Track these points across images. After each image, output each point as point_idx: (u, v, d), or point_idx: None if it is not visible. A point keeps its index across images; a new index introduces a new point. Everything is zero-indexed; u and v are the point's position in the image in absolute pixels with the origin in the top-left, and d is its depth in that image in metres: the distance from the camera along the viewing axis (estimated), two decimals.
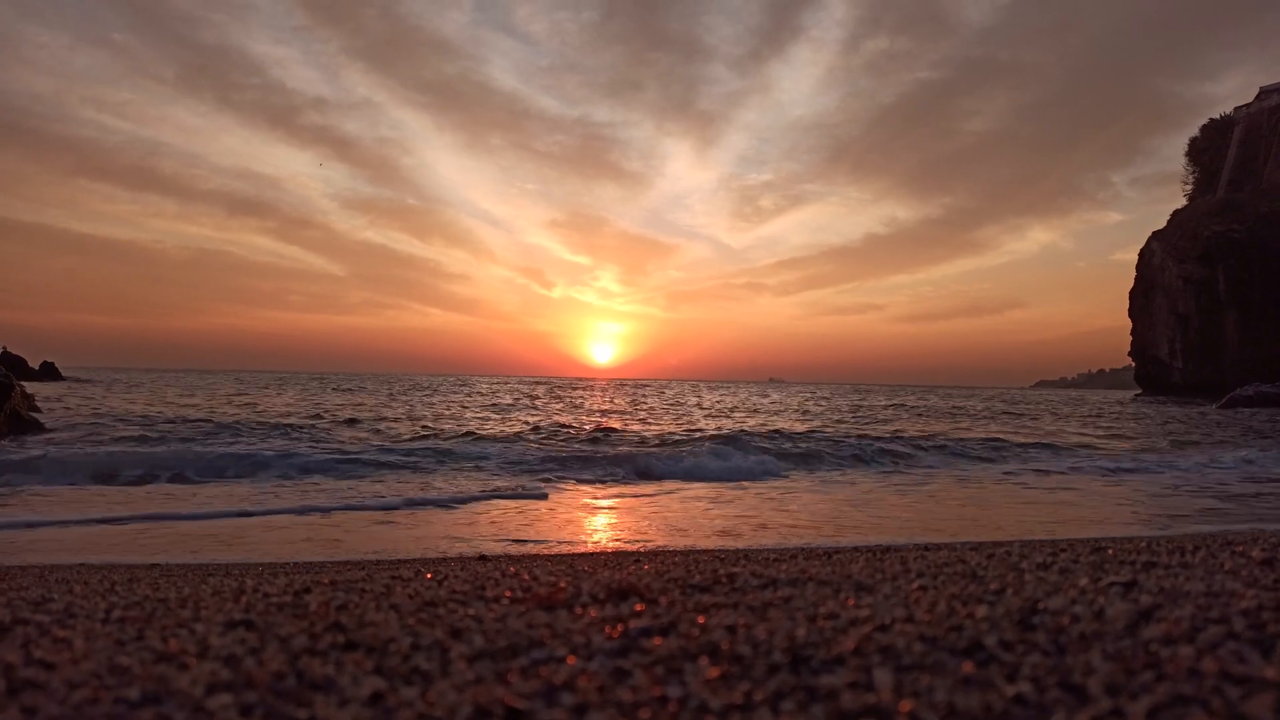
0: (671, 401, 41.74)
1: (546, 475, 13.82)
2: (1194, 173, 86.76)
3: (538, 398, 43.11)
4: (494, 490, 11.50)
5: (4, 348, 53.20)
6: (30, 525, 8.54)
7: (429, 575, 2.50)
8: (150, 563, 5.47)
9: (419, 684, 1.19)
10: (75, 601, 2.06)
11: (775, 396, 53.95)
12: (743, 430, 21.94)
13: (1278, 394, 40.96)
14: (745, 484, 12.60)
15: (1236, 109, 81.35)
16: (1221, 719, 0.98)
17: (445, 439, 18.94)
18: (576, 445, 18.70)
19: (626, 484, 12.81)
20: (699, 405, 37.43)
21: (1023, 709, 1.04)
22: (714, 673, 1.22)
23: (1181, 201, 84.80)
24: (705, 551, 5.69)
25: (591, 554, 5.41)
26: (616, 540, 7.73)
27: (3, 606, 1.96)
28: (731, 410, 34.73)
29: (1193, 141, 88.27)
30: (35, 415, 17.91)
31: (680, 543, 7.15)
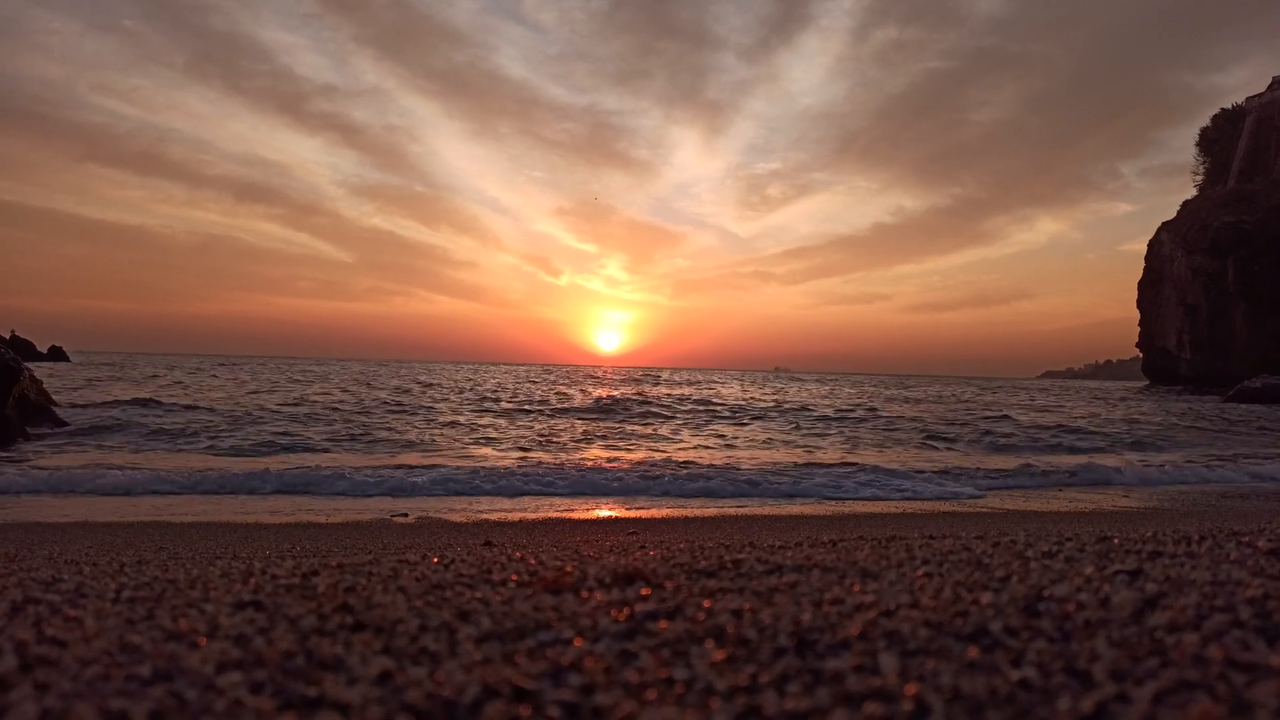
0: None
1: None
2: (1204, 163, 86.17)
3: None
4: None
5: (12, 331, 53.46)
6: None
7: (435, 559, 2.51)
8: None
9: (427, 664, 1.20)
10: (85, 582, 2.07)
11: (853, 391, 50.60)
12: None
13: None
14: None
15: (1248, 99, 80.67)
16: (1226, 705, 0.98)
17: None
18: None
19: None
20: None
21: (1027, 693, 1.04)
22: (720, 656, 1.22)
23: (1192, 192, 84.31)
24: (710, 535, 5.71)
25: (596, 540, 5.43)
26: (621, 528, 7.76)
27: (14, 586, 1.97)
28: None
29: (1203, 132, 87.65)
30: (54, 407, 17.93)
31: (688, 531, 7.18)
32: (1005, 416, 26.49)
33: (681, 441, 18.43)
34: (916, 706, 1.01)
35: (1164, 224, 75.68)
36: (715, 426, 22.29)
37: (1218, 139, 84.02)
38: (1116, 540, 2.39)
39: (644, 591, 1.68)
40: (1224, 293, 65.81)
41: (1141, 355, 79.70)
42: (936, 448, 18.40)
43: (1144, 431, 22.04)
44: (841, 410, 27.82)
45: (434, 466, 13.40)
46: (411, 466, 13.35)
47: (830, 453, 16.58)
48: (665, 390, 40.38)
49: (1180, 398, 46.30)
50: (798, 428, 22.10)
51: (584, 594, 1.67)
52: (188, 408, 21.73)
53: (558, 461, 14.52)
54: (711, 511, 9.64)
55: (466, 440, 17.23)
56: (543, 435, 18.74)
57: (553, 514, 9.28)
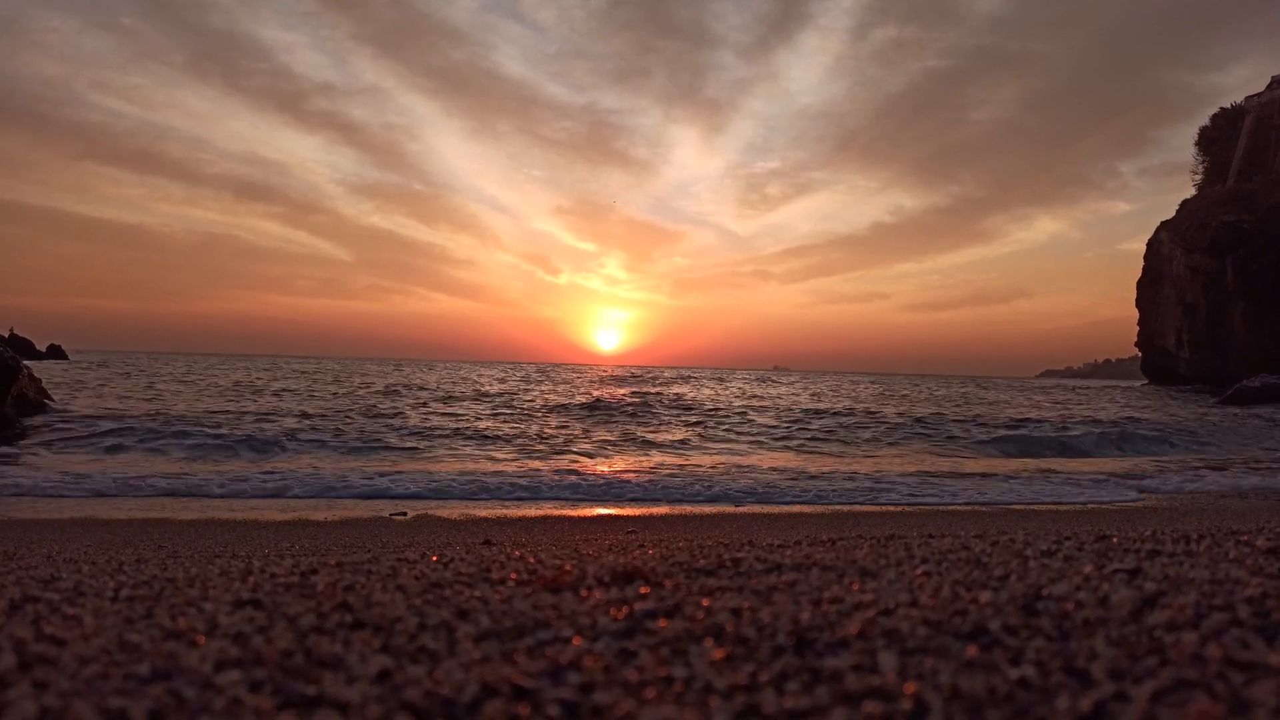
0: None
1: None
2: (1204, 162, 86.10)
3: None
4: None
5: (11, 329, 53.48)
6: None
7: (434, 558, 2.51)
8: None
9: (426, 663, 1.20)
10: (84, 580, 2.07)
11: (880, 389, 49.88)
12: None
13: None
14: None
15: (1247, 98, 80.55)
16: (1225, 704, 0.98)
17: None
18: None
19: None
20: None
21: (1026, 692, 1.04)
22: (719, 654, 1.22)
23: (1190, 191, 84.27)
24: (709, 534, 5.71)
25: (595, 539, 5.44)
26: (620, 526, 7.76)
27: (13, 585, 1.97)
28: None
29: (1203, 131, 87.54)
30: (52, 406, 17.92)
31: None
32: (1089, 418, 25.35)
33: (724, 449, 17.45)
34: (915, 705, 1.01)
35: (1163, 223, 75.69)
36: (749, 430, 21.18)
37: (1217, 138, 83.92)
38: (1115, 539, 2.39)
39: (643, 590, 1.68)
40: (1223, 292, 65.80)
41: (1140, 354, 79.71)
42: (988, 449, 17.97)
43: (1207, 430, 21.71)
44: (869, 411, 27.10)
45: (433, 465, 13.41)
46: (410, 465, 13.35)
47: (896, 460, 15.94)
48: (683, 390, 40.33)
49: (1181, 396, 46.27)
50: (837, 431, 20.93)
51: (583, 592, 1.67)
52: (187, 407, 21.72)
53: (558, 464, 14.53)
54: (710, 510, 9.64)
55: (465, 440, 17.23)
56: (543, 436, 18.73)
57: (552, 513, 9.28)
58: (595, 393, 35.48)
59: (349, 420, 19.69)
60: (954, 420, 23.81)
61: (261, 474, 11.53)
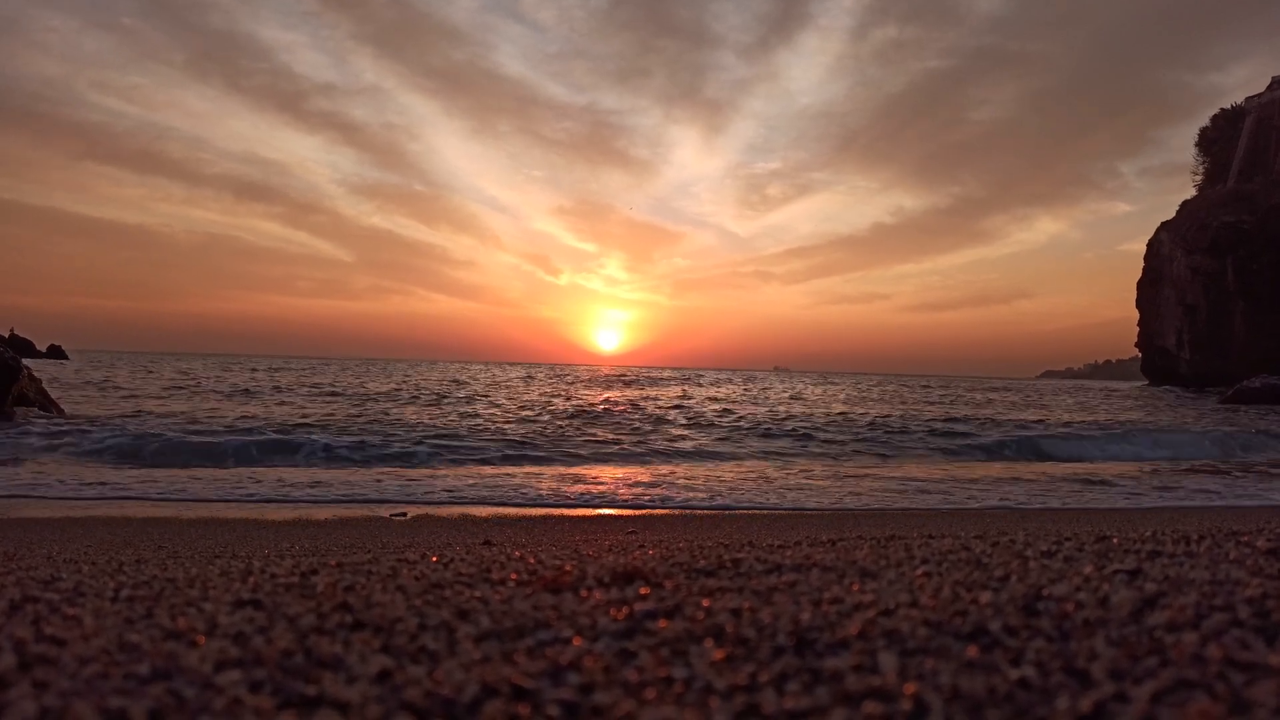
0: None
1: None
2: (1204, 163, 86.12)
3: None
4: None
5: (11, 329, 53.54)
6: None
7: (434, 558, 2.51)
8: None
9: (426, 663, 1.20)
10: (84, 581, 2.07)
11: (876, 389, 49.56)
12: None
13: None
14: None
15: (1248, 99, 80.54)
16: (1225, 704, 0.98)
17: None
18: None
19: None
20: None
21: (1026, 692, 1.04)
22: (719, 655, 1.22)
23: (1191, 192, 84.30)
24: (709, 535, 5.71)
25: (595, 539, 5.44)
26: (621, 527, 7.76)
27: (13, 585, 1.97)
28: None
29: (1203, 131, 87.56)
30: (53, 405, 17.93)
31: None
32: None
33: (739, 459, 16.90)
34: (915, 705, 1.01)
35: (1163, 223, 75.73)
36: (749, 430, 20.34)
37: (1217, 139, 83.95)
38: (1115, 540, 2.39)
39: (643, 590, 1.68)
40: (1223, 292, 65.82)
41: (1140, 355, 79.74)
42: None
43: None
44: (869, 412, 26.55)
45: (433, 466, 13.41)
46: (410, 466, 13.35)
47: (895, 461, 15.61)
48: (683, 391, 40.30)
49: (1182, 397, 46.21)
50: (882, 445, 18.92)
51: (583, 593, 1.67)
52: (186, 407, 21.73)
53: (558, 464, 14.53)
54: (710, 510, 9.64)
55: (465, 440, 17.23)
56: (543, 436, 18.73)
57: (552, 513, 9.29)
58: (595, 393, 35.46)
59: (348, 420, 19.69)
60: (953, 421, 23.82)
61: (261, 474, 11.53)
